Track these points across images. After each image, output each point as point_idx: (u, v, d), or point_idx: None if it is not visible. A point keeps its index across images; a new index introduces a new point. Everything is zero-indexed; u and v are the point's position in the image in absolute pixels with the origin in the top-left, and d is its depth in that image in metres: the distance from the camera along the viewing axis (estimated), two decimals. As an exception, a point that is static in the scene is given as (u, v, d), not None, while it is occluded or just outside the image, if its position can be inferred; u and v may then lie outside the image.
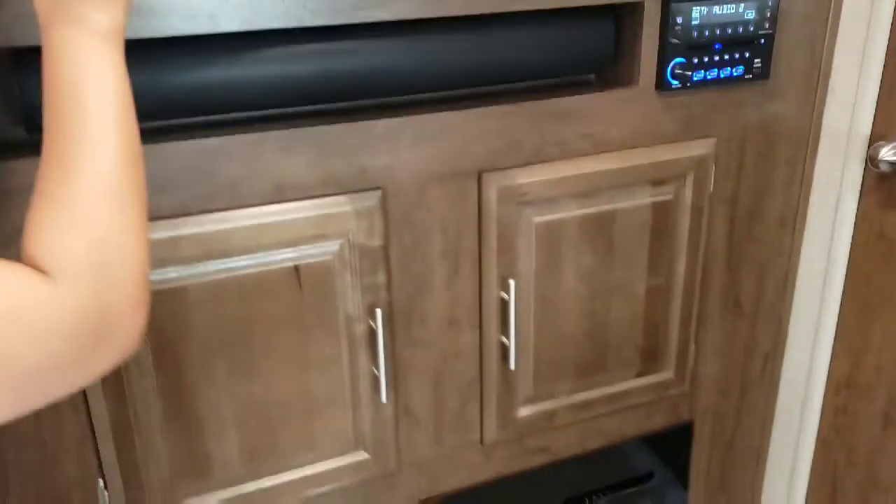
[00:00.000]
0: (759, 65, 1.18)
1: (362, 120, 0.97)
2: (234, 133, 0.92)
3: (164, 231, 0.90)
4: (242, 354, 0.99)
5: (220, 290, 0.94)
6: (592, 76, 1.22)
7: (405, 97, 1.05)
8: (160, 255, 0.90)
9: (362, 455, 1.12)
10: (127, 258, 0.46)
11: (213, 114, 0.96)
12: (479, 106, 1.03)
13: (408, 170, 1.01)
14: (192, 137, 0.91)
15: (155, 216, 0.90)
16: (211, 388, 0.98)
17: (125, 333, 0.46)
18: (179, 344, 0.95)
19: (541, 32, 1.09)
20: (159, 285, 0.91)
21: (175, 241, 0.90)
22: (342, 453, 1.10)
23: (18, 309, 0.41)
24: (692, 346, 1.33)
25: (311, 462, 1.09)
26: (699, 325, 1.33)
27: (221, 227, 0.93)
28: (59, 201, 0.45)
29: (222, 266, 0.94)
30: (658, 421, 1.39)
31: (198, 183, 0.92)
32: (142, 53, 0.83)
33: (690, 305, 1.29)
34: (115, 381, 0.93)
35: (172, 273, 0.92)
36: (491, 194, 1.06)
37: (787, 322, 1.44)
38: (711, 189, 1.23)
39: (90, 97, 0.47)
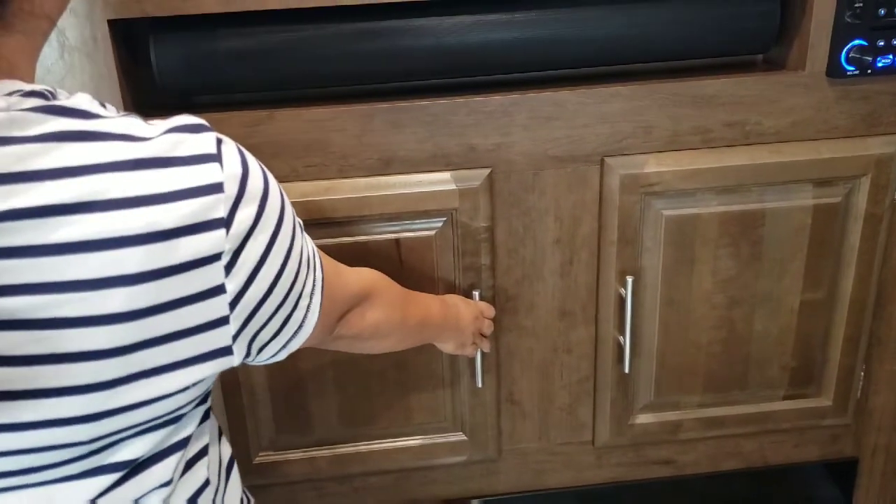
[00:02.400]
0: (972, 50, 0.97)
1: (474, 96, 0.95)
2: (345, 105, 0.94)
3: (273, 195, 0.94)
4: (342, 321, 1.01)
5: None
6: (760, 58, 1.09)
7: (521, 75, 1.00)
8: (267, 217, 0.94)
9: (460, 436, 1.11)
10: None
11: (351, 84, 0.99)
12: (602, 85, 0.96)
13: (520, 150, 0.97)
14: (306, 107, 0.93)
15: (264, 180, 0.94)
16: (312, 350, 1.02)
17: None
18: (282, 303, 0.99)
19: (692, 6, 0.99)
20: (265, 246, 0.96)
21: (281, 205, 0.94)
22: (439, 431, 1.10)
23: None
24: (859, 374, 1.15)
25: (409, 435, 1.10)
26: (871, 350, 1.15)
27: (327, 196, 0.95)
28: (401, 294, 0.86)
29: (326, 232, 0.96)
30: (811, 452, 1.23)
31: (309, 151, 0.95)
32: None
33: (859, 327, 1.12)
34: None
35: (277, 235, 0.96)
36: (613, 181, 0.99)
37: None
38: (895, 196, 1.05)
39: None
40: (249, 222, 0.49)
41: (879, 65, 0.97)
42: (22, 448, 0.47)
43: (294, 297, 0.57)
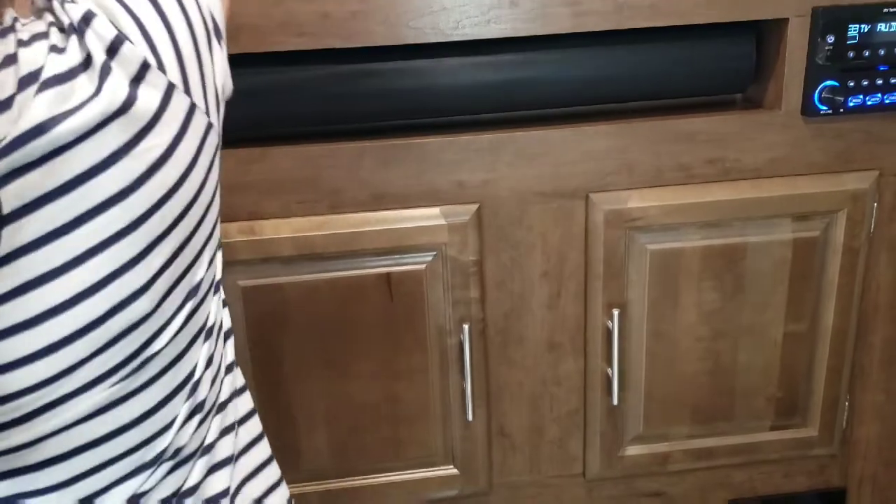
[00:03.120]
0: (939, 89, 1.02)
1: (463, 135, 0.98)
2: (337, 143, 0.97)
3: (268, 231, 0.96)
4: (334, 355, 1.03)
5: (315, 291, 0.99)
6: (738, 97, 1.13)
7: (510, 114, 1.04)
8: (262, 252, 0.97)
9: (451, 470, 1.12)
10: None
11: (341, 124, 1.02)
12: (586, 124, 0.99)
13: (508, 186, 1.00)
14: (298, 145, 0.96)
15: (259, 216, 0.97)
16: (303, 384, 1.04)
17: None
18: (275, 338, 1.01)
19: (672, 49, 1.03)
20: (259, 280, 0.98)
21: (275, 241, 0.96)
22: (430, 465, 1.11)
23: None
24: (844, 404, 1.17)
25: (400, 469, 1.11)
26: (854, 381, 1.17)
27: (320, 231, 0.97)
28: None
29: (318, 267, 0.99)
30: (799, 483, 1.24)
31: (301, 187, 0.97)
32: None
33: (842, 357, 1.14)
34: (218, 366, 1.01)
35: (271, 270, 0.98)
36: (598, 217, 1.02)
37: (978, 391, 1.23)
38: (872, 229, 1.08)
39: None
40: None
41: (851, 104, 1.01)
42: None
43: None
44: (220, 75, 0.54)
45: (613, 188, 1.02)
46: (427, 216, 0.99)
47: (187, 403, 0.55)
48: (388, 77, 0.98)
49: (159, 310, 0.49)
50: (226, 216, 0.97)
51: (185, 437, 0.56)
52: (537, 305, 1.06)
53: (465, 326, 1.01)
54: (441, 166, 0.98)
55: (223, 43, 0.56)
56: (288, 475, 1.08)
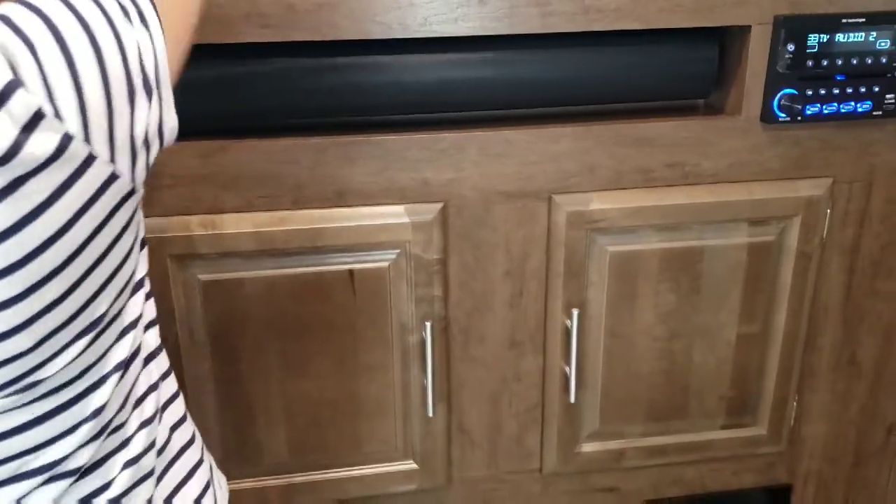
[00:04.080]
0: (893, 101, 1.05)
1: (428, 133, 0.98)
2: (299, 137, 0.96)
3: (228, 226, 0.95)
4: (294, 351, 1.02)
5: (276, 287, 0.98)
6: (701, 102, 1.14)
7: (475, 113, 1.04)
8: (222, 247, 0.96)
9: (411, 465, 1.12)
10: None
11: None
12: (550, 125, 1.00)
13: (472, 186, 1.00)
14: (260, 139, 0.95)
15: (220, 210, 0.96)
16: (263, 379, 1.03)
17: None
18: (235, 334, 1.00)
19: (637, 54, 1.04)
20: (219, 275, 0.97)
21: (236, 236, 0.95)
22: (390, 460, 1.11)
23: None
24: (792, 404, 1.21)
25: (359, 464, 1.11)
26: (803, 381, 1.20)
27: (281, 227, 0.96)
28: None
29: (280, 263, 0.98)
30: (748, 479, 1.27)
31: (263, 182, 0.96)
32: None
33: (792, 359, 1.17)
34: (175, 363, 0.99)
35: (231, 265, 0.97)
36: (560, 218, 1.03)
37: (919, 392, 1.27)
38: (825, 235, 1.11)
39: None
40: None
41: (808, 112, 1.03)
42: None
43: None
44: (143, 126, 0.52)
45: (576, 190, 1.03)
46: (391, 214, 0.98)
47: (90, 421, 0.55)
48: (353, 72, 0.97)
49: (40, 349, 0.49)
50: (185, 209, 0.96)
51: (86, 454, 0.56)
52: (499, 304, 1.07)
53: (428, 324, 1.01)
54: (406, 164, 0.98)
55: (158, 93, 0.53)
56: (248, 469, 1.08)
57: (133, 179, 0.52)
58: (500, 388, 1.11)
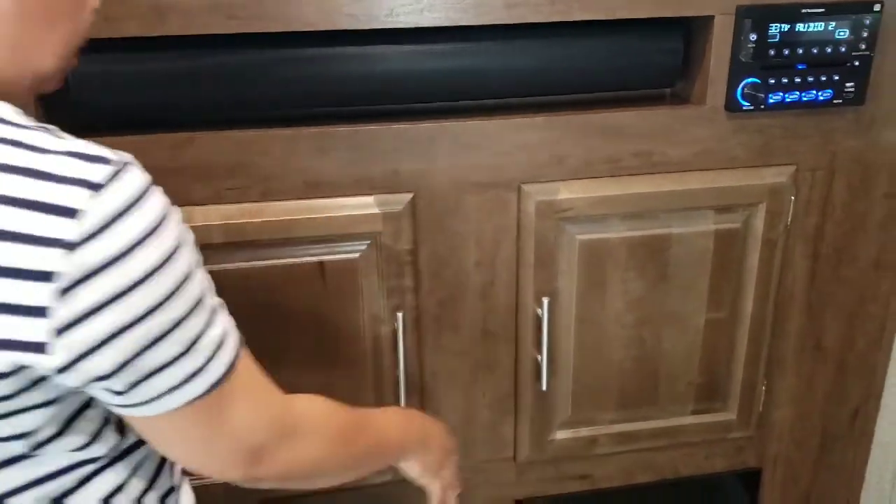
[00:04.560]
0: (853, 89, 1.07)
1: (398, 123, 0.98)
2: (269, 129, 0.96)
3: (197, 218, 0.95)
4: (265, 343, 1.01)
5: (246, 279, 0.98)
6: (667, 92, 1.16)
7: (444, 103, 1.04)
8: (191, 240, 0.95)
9: None
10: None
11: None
12: (519, 116, 1.01)
13: (443, 177, 1.01)
14: (229, 130, 0.95)
15: (189, 202, 0.95)
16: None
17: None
18: (205, 326, 1.00)
19: (603, 44, 1.05)
20: (189, 269, 0.97)
21: (205, 228, 0.95)
22: (363, 451, 1.11)
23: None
24: (761, 389, 1.23)
25: (333, 455, 1.11)
26: (770, 366, 1.22)
27: (251, 219, 0.96)
28: (345, 426, 0.70)
29: (250, 255, 0.97)
30: (718, 463, 1.29)
31: (232, 174, 0.96)
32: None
33: (759, 344, 1.19)
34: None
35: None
36: (530, 207, 1.04)
37: (884, 375, 1.30)
38: (789, 222, 1.13)
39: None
40: (103, 256, 0.46)
41: (771, 101, 1.05)
42: None
43: (181, 338, 0.52)
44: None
45: (545, 179, 1.04)
46: (361, 205, 0.99)
47: None
48: (322, 63, 0.97)
49: None
50: (154, 202, 0.95)
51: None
52: (471, 294, 1.07)
53: (400, 315, 1.02)
54: (375, 155, 0.98)
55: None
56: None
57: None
58: (473, 377, 1.12)
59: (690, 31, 1.06)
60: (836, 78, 1.06)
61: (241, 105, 0.98)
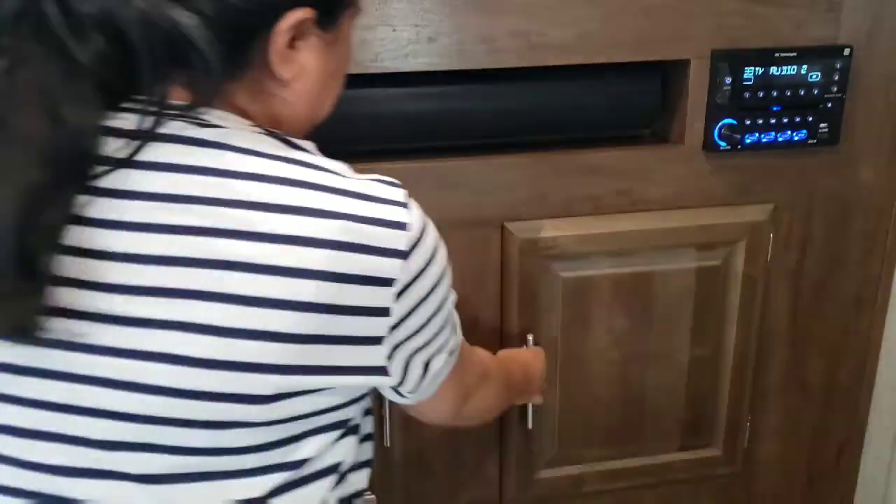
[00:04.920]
0: (826, 129, 1.10)
1: (381, 163, 1.00)
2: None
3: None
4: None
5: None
6: (646, 132, 1.19)
7: (427, 144, 1.06)
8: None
9: (368, 496, 1.11)
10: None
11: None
12: (502, 155, 1.03)
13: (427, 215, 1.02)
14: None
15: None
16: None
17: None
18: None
19: (584, 87, 1.08)
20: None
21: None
22: (349, 491, 1.11)
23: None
24: (746, 425, 1.23)
25: (318, 496, 1.10)
26: (755, 402, 1.23)
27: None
28: (504, 371, 0.88)
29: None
30: (706, 501, 1.29)
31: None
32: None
33: (743, 380, 1.20)
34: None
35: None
36: (513, 245, 1.05)
37: (867, 410, 1.31)
38: (769, 259, 1.15)
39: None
40: (423, 263, 0.57)
41: (748, 141, 1.07)
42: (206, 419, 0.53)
43: (445, 334, 0.65)
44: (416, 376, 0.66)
45: (527, 218, 1.05)
46: (346, 244, 1.00)
47: None
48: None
49: None
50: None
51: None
52: (455, 332, 1.08)
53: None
54: (360, 195, 0.99)
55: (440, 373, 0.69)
56: None
57: None
58: (459, 415, 1.12)
59: (668, 73, 1.09)
60: (811, 119, 1.08)
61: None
